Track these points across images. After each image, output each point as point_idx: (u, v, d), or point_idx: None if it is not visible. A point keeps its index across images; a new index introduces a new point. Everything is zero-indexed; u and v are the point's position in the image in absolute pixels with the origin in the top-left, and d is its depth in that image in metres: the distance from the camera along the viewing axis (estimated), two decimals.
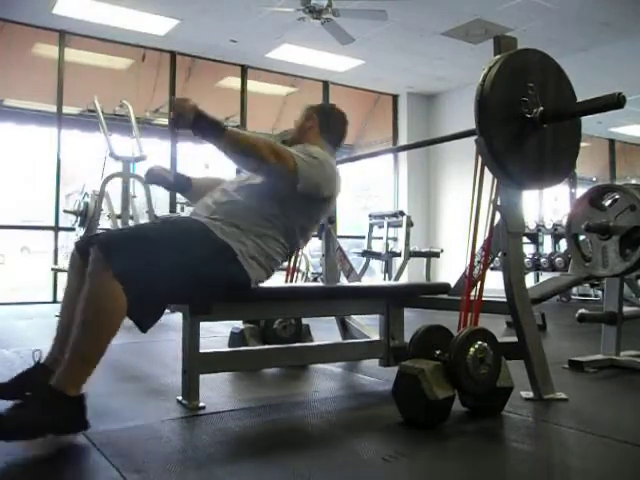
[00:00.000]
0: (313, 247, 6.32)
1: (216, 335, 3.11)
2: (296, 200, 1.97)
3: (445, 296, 2.33)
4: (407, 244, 6.40)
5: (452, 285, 2.35)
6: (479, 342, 1.73)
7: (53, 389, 1.51)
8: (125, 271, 1.57)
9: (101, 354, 1.58)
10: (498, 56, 1.95)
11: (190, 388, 1.88)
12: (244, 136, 1.88)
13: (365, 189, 12.74)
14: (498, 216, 2.02)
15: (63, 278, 6.57)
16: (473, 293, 1.91)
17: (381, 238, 6.82)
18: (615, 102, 1.76)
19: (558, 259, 6.93)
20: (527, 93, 1.92)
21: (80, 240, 1.92)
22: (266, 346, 2.52)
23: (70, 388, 1.52)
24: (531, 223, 7.36)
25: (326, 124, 2.24)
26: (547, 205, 8.73)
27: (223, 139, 1.81)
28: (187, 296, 1.80)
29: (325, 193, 2.03)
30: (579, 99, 2.03)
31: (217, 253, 1.81)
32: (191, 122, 1.76)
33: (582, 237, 2.65)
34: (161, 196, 8.19)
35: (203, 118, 1.78)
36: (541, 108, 1.91)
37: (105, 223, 5.51)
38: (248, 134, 1.92)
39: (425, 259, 7.11)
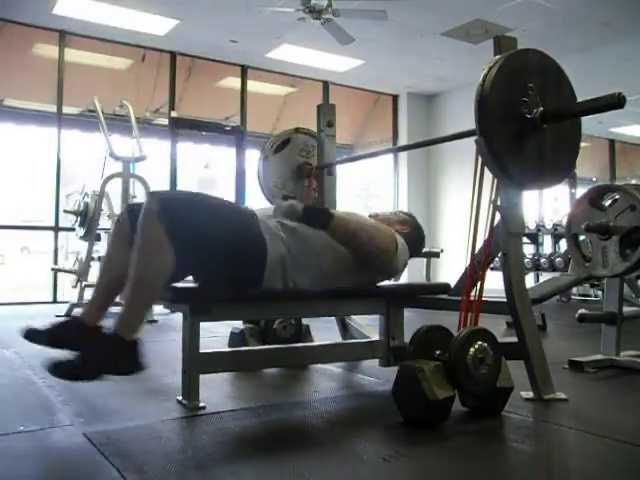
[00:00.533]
0: None
1: (216, 335, 3.11)
2: (368, 268, 2.13)
3: (445, 296, 2.33)
4: None
5: (452, 285, 2.36)
6: (479, 342, 1.73)
7: (115, 336, 1.70)
8: (175, 227, 1.71)
9: (153, 301, 1.81)
10: (498, 56, 1.95)
11: (190, 388, 1.88)
12: (351, 222, 2.06)
13: (365, 189, 12.74)
14: (498, 216, 2.02)
15: (63, 278, 6.57)
16: (473, 293, 1.92)
17: None
18: (615, 102, 1.76)
19: (558, 259, 6.93)
20: (527, 93, 1.91)
21: (134, 204, 2.10)
22: (266, 346, 2.52)
23: (129, 334, 1.71)
24: (531, 223, 7.36)
25: (412, 241, 2.33)
26: (547, 205, 8.73)
27: (331, 225, 1.99)
28: (210, 268, 1.89)
29: (391, 274, 2.23)
30: (579, 99, 2.03)
31: (249, 245, 1.92)
32: (301, 216, 1.99)
33: (582, 237, 2.65)
34: None
35: (311, 211, 2.03)
36: (541, 108, 1.91)
37: (105, 223, 5.52)
38: (356, 219, 2.11)
39: (425, 259, 7.11)
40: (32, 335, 1.87)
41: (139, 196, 5.56)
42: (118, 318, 1.73)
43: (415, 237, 2.35)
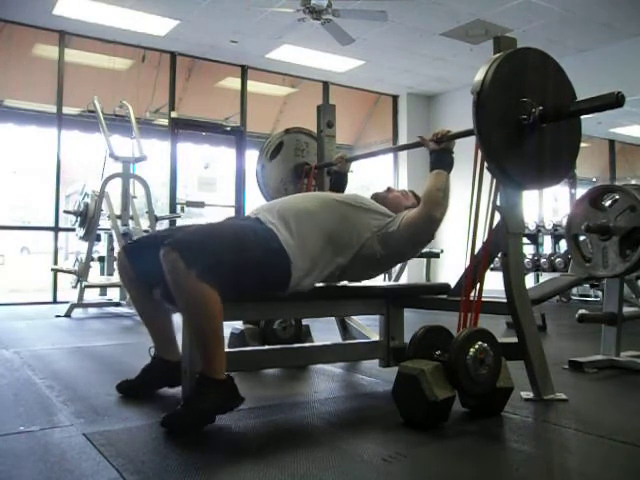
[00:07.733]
0: None
1: None
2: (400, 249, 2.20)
3: (445, 296, 2.33)
4: None
5: (452, 285, 2.35)
6: (479, 343, 1.73)
7: (205, 377, 1.70)
8: (206, 270, 1.67)
9: (221, 340, 1.74)
10: (496, 55, 1.94)
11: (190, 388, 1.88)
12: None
13: (365, 189, 12.75)
14: (498, 216, 2.02)
15: (63, 278, 6.54)
16: (473, 294, 1.91)
17: None
18: (614, 101, 1.75)
19: (558, 260, 6.94)
20: (526, 93, 1.91)
21: (131, 243, 2.20)
22: (266, 347, 2.52)
23: (217, 374, 1.71)
24: (531, 224, 7.36)
25: None
26: (547, 205, 8.73)
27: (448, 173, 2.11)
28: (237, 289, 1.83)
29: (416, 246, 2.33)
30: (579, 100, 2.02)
31: (272, 259, 1.87)
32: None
33: (582, 237, 2.65)
34: (161, 196, 8.19)
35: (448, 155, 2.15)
36: (540, 108, 1.91)
37: (105, 223, 5.52)
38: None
39: (425, 259, 7.10)
40: (125, 388, 2.06)
41: (139, 196, 5.56)
42: (202, 361, 1.74)
43: None
